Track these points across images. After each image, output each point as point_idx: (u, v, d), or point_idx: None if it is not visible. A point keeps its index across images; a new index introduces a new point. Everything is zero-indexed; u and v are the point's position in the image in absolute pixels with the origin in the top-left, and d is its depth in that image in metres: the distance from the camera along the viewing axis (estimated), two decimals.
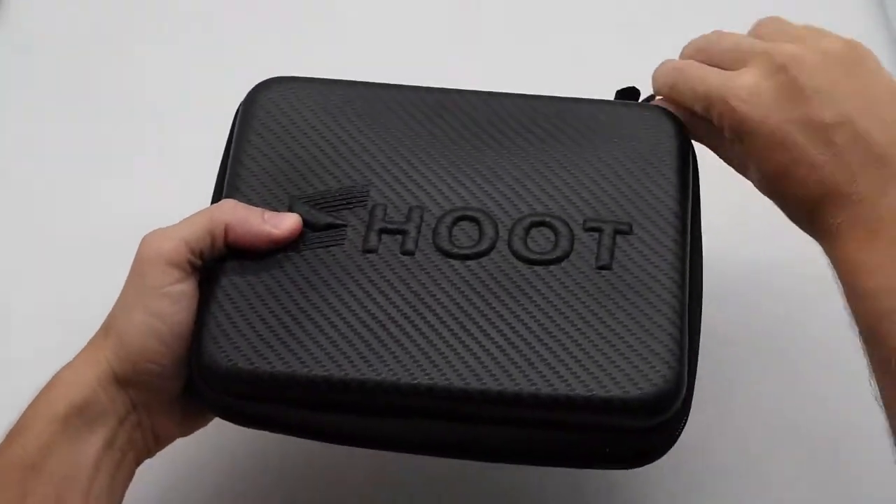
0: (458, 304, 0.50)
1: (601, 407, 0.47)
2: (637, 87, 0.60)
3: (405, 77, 0.59)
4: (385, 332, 0.49)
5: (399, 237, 0.52)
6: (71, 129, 0.77)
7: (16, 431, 0.49)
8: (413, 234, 0.52)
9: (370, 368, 0.48)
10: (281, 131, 0.55)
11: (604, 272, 0.51)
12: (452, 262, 0.51)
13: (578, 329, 0.49)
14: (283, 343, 0.49)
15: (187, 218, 0.52)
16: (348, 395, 0.48)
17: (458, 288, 0.50)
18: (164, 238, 0.50)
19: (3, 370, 0.65)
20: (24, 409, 0.50)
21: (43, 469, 0.48)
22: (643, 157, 0.54)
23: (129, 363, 0.50)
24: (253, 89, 0.58)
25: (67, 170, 0.75)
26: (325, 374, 0.48)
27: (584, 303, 0.50)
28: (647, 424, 0.48)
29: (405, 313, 0.50)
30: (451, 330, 0.49)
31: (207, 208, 0.53)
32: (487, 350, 0.49)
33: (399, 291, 0.50)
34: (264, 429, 0.52)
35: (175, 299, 0.50)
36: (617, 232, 0.52)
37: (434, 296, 0.50)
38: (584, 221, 0.52)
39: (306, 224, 0.52)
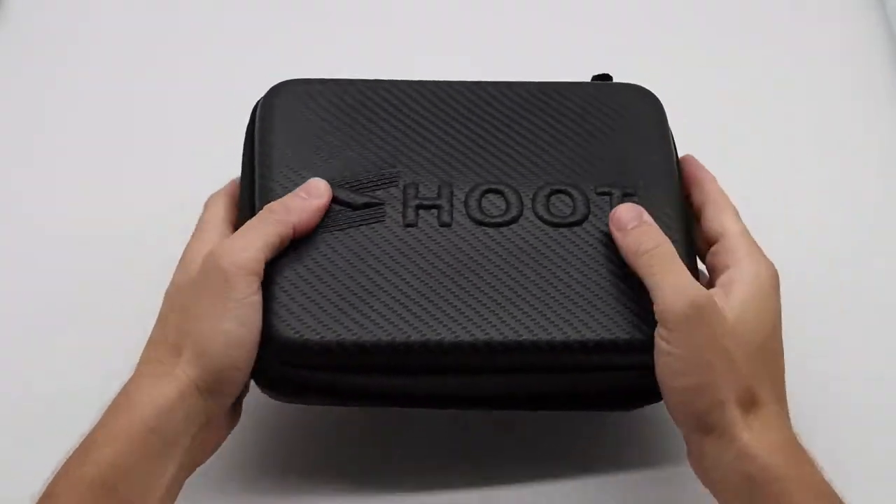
0: (499, 266, 0.55)
1: (640, 348, 0.53)
2: (609, 73, 0.65)
3: (406, 73, 0.62)
4: (437, 295, 0.54)
5: (434, 211, 0.57)
6: (70, 130, 0.77)
7: (87, 448, 0.49)
8: (447, 207, 0.57)
9: (430, 329, 0.53)
10: (304, 126, 0.59)
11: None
12: (487, 230, 0.57)
13: (608, 280, 0.55)
14: (346, 314, 0.53)
15: (252, 228, 0.54)
16: (411, 356, 0.53)
17: (497, 252, 0.56)
18: (242, 250, 0.53)
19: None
20: (93, 425, 0.50)
21: (117, 489, 0.48)
22: (634, 127, 0.61)
23: (215, 374, 0.51)
24: (269, 91, 0.61)
25: (66, 170, 0.75)
26: (389, 338, 0.53)
27: (607, 257, 0.56)
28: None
29: (453, 278, 0.55)
30: (497, 290, 0.55)
31: (264, 216, 0.55)
32: (534, 306, 0.54)
33: (444, 259, 0.56)
34: (320, 401, 0.56)
35: (257, 306, 0.53)
36: (625, 195, 0.58)
37: (476, 261, 0.56)
38: (595, 187, 0.58)
39: (346, 204, 0.57)
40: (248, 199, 0.58)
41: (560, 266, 0.56)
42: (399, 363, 0.54)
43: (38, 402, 0.63)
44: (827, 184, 0.75)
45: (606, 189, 0.58)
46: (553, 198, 0.58)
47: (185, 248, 0.57)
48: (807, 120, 0.79)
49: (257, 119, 0.60)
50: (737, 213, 0.58)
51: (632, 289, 0.54)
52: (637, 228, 0.55)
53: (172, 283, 0.55)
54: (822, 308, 0.68)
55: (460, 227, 0.56)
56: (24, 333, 0.67)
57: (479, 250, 0.56)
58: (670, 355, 0.52)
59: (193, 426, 0.51)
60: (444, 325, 0.53)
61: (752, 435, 0.50)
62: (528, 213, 0.57)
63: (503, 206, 0.57)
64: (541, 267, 0.55)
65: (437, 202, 0.57)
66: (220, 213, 0.58)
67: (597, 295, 0.55)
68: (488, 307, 0.54)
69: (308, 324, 0.53)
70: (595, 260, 0.56)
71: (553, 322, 0.54)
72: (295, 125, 0.59)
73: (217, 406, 0.53)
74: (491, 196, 0.57)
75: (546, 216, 0.57)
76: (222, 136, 0.67)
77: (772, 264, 0.56)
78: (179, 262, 0.56)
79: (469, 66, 0.70)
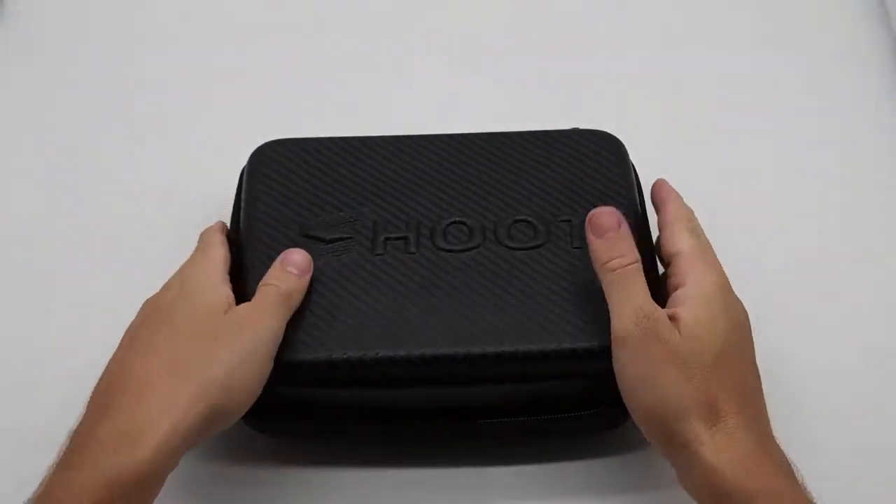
0: (459, 286, 0.59)
1: (597, 355, 0.56)
2: (578, 126, 0.68)
3: (382, 129, 0.67)
4: (405, 311, 0.58)
5: (401, 242, 0.61)
6: (69, 130, 0.78)
7: (81, 477, 0.49)
8: (413, 238, 0.61)
9: (397, 345, 0.57)
10: (286, 180, 0.64)
11: (580, 250, 0.60)
12: (450, 255, 0.60)
13: (571, 293, 0.58)
14: (315, 336, 0.57)
15: (276, 307, 0.57)
16: (381, 370, 0.56)
17: (459, 271, 0.59)
18: (275, 319, 0.56)
19: None
20: (94, 438, 0.51)
21: None
22: (596, 167, 0.64)
23: (223, 415, 0.54)
24: (255, 151, 0.66)
25: (65, 170, 0.75)
26: (359, 355, 0.56)
27: (569, 273, 0.59)
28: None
29: (419, 295, 0.58)
30: (460, 305, 0.58)
31: (281, 300, 0.57)
32: (492, 321, 0.57)
33: (410, 278, 0.59)
34: (296, 421, 0.60)
35: (271, 366, 0.56)
36: (584, 221, 0.59)
37: (441, 278, 0.59)
38: (556, 217, 0.62)
39: (317, 238, 0.61)
40: (234, 239, 0.62)
41: (519, 281, 0.59)
42: (370, 377, 0.57)
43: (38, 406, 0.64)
44: (827, 185, 0.75)
45: (566, 217, 0.61)
46: (514, 227, 0.61)
47: (186, 277, 0.59)
48: (806, 120, 0.79)
49: (244, 176, 0.65)
50: (690, 229, 0.59)
51: (589, 301, 0.57)
52: (611, 237, 0.56)
53: (181, 309, 0.56)
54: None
55: (424, 253, 0.60)
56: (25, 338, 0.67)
57: (442, 269, 0.59)
58: (625, 373, 0.53)
59: (183, 455, 0.53)
60: (410, 341, 0.57)
61: (716, 449, 0.51)
62: (490, 239, 0.61)
63: (466, 236, 0.61)
64: (500, 284, 0.59)
65: (405, 234, 0.61)
66: (222, 255, 0.60)
67: (550, 309, 0.57)
68: (450, 322, 0.57)
69: (292, 345, 0.57)
70: (556, 275, 0.59)
71: (510, 334, 0.57)
72: (278, 177, 0.64)
73: (201, 439, 0.54)
74: (455, 228, 0.61)
75: (507, 242, 0.61)
76: (220, 138, 0.67)
77: (717, 271, 0.56)
78: (181, 289, 0.57)
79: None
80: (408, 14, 0.85)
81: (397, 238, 0.61)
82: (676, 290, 0.56)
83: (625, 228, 0.57)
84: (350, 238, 0.61)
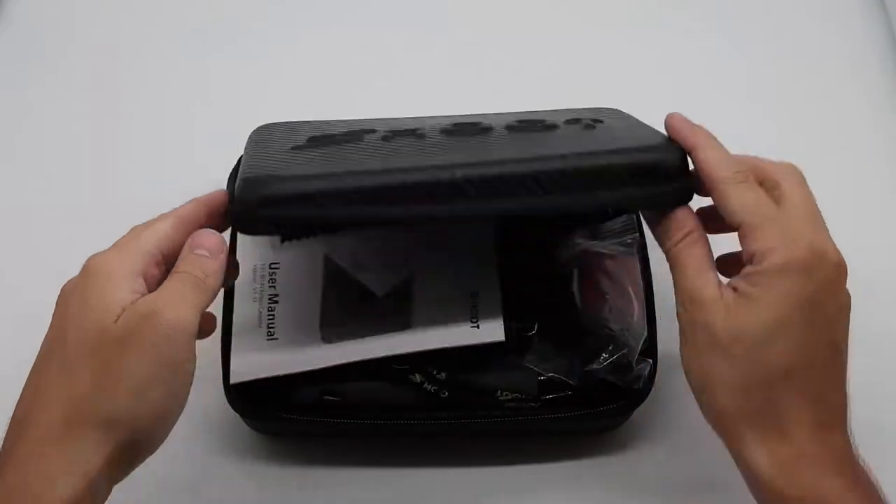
0: (468, 145, 0.57)
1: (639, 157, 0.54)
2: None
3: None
4: (400, 157, 0.55)
5: (410, 132, 0.59)
6: (69, 130, 0.78)
7: None
8: (421, 131, 0.59)
9: (393, 165, 0.54)
10: (277, 149, 0.59)
11: (593, 129, 0.59)
12: (459, 135, 0.59)
13: (580, 141, 0.57)
14: (325, 175, 0.53)
15: (184, 292, 0.49)
16: (403, 190, 0.52)
17: (468, 141, 0.58)
18: (185, 308, 0.48)
19: None
20: None
21: None
22: (603, 113, 0.64)
23: (133, 448, 0.47)
24: (253, 132, 0.63)
25: (65, 168, 0.75)
26: (358, 184, 0.52)
27: (584, 134, 0.59)
28: (680, 176, 0.55)
29: (425, 155, 0.56)
30: (474, 149, 0.56)
31: (192, 281, 0.49)
32: (513, 148, 0.56)
33: (412, 149, 0.57)
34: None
35: (191, 376, 0.48)
36: (594, 120, 0.61)
37: (448, 144, 0.57)
38: (565, 120, 0.61)
39: (326, 137, 0.59)
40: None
41: (530, 139, 0.58)
42: (379, 197, 0.53)
43: None
44: (827, 185, 0.75)
45: (574, 117, 0.61)
46: (523, 123, 0.60)
47: (87, 270, 0.50)
48: (806, 120, 0.79)
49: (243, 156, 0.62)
50: (734, 182, 0.52)
51: (615, 138, 0.57)
52: (676, 212, 0.53)
53: (73, 318, 0.48)
54: None
55: (433, 136, 0.58)
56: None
57: (452, 140, 0.58)
58: (682, 355, 0.50)
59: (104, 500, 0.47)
60: (402, 163, 0.54)
61: (757, 449, 0.47)
62: (499, 128, 0.59)
63: (474, 129, 0.59)
64: (510, 141, 0.57)
65: (414, 130, 0.59)
66: (154, 239, 0.51)
67: (562, 145, 0.56)
68: (463, 156, 0.55)
69: (292, 181, 0.52)
70: (562, 137, 0.58)
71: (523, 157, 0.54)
72: (273, 143, 0.60)
73: (123, 476, 0.48)
74: (464, 124, 0.60)
75: (517, 128, 0.59)
76: (220, 138, 0.68)
77: (791, 239, 0.50)
78: (80, 287, 0.49)
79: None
80: (406, 12, 0.86)
81: (406, 132, 0.59)
82: (750, 261, 0.50)
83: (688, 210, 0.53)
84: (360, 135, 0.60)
